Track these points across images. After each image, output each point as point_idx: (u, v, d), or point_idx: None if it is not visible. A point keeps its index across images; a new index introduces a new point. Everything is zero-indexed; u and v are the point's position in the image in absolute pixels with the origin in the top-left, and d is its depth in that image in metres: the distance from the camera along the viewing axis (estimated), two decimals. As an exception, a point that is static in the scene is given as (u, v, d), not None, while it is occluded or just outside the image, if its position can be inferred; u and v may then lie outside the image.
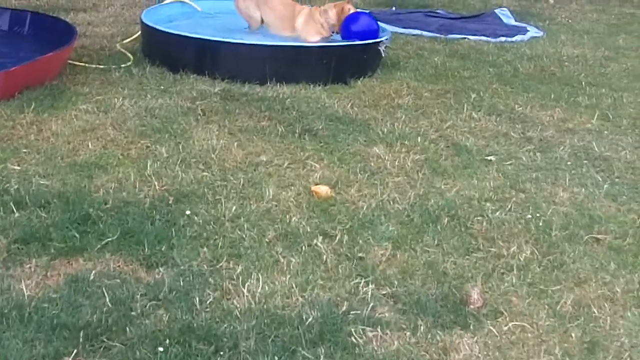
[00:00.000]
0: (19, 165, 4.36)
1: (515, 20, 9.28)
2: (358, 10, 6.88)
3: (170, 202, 4.05)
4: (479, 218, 4.12)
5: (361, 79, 6.36)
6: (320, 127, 5.25)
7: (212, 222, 3.86)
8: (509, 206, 4.27)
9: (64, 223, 3.71)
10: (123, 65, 6.31)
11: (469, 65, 7.07)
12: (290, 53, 6.14)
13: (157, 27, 6.34)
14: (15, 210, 3.83)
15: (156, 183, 4.23)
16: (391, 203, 4.23)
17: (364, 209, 4.13)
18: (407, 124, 5.44)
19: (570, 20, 9.52)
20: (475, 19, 9.24)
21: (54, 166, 4.37)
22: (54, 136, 4.78)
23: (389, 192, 4.35)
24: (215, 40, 6.08)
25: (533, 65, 7.22)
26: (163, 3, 7.38)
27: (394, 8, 9.44)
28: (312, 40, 6.55)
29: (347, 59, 6.31)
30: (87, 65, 6.25)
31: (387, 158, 4.81)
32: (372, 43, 6.43)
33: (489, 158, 4.95)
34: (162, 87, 5.83)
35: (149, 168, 4.41)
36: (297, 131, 5.15)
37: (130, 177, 4.29)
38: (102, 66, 6.26)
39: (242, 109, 5.48)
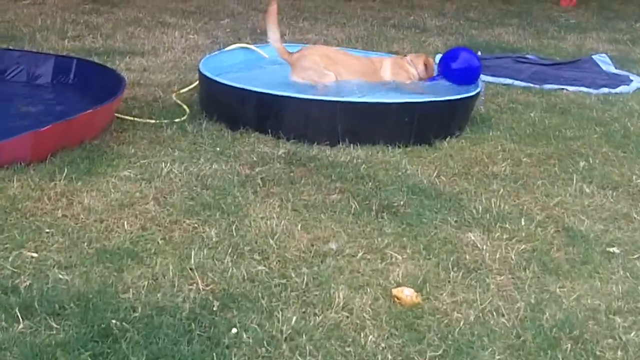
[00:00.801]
0: (37, 252, 3.60)
1: (616, 68, 8.28)
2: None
3: (214, 308, 3.22)
4: (609, 341, 3.18)
5: (447, 139, 5.48)
6: (402, 202, 4.38)
7: (265, 342, 3.01)
8: (647, 323, 3.32)
9: (78, 341, 2.92)
10: (177, 120, 5.56)
11: (571, 123, 6.12)
12: (366, 110, 5.30)
13: (215, 78, 5.58)
14: (21, 319, 3.05)
15: (200, 281, 3.42)
16: (495, 315, 3.32)
17: (461, 323, 3.24)
18: (506, 200, 4.53)
19: (678, 68, 8.46)
20: (570, 65, 8.27)
21: (78, 254, 3.60)
22: (84, 212, 4.02)
23: (491, 298, 3.45)
24: (279, 95, 5.28)
25: (646, 123, 6.23)
26: (225, 49, 6.63)
27: (479, 53, 8.53)
28: (408, 83, 6.00)
29: (432, 116, 5.43)
30: (136, 119, 5.52)
31: (485, 248, 3.91)
32: (464, 98, 5.55)
33: (611, 250, 4.00)
34: (218, 149, 5.05)
35: (193, 258, 3.60)
36: (373, 208, 4.29)
37: (169, 270, 3.49)
38: (153, 121, 5.52)
39: (309, 178, 4.65)
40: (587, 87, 7.27)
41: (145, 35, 8.39)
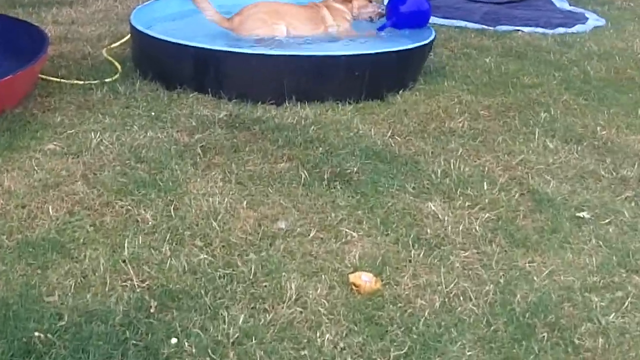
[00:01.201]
0: (-52, 249, 3.20)
1: (570, 4, 7.97)
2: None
3: (152, 310, 2.87)
4: (588, 326, 2.92)
5: (401, 92, 5.13)
6: (355, 168, 4.05)
7: (209, 350, 2.68)
8: (625, 303, 3.06)
9: (-6, 362, 2.55)
10: (108, 80, 5.11)
11: (528, 68, 5.81)
12: (314, 64, 4.91)
13: (147, 31, 5.11)
14: None
15: (135, 276, 3.06)
16: (461, 300, 3.03)
17: (426, 312, 2.94)
18: (465, 161, 4.22)
19: (631, 4, 8.17)
20: (524, 3, 7.93)
21: (-3, 249, 3.21)
22: (4, 196, 3.61)
23: (456, 279, 3.16)
24: (218, 50, 4.84)
25: (604, 66, 5.95)
26: (158, -2, 6.12)
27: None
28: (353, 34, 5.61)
29: (384, 69, 5.06)
30: (62, 81, 5.05)
31: (446, 219, 3.61)
32: (418, 47, 5.18)
33: (581, 215, 3.73)
34: (153, 113, 4.63)
35: (126, 248, 3.23)
36: (325, 176, 3.95)
37: (100, 265, 3.12)
38: (81, 82, 5.06)
39: (254, 144, 4.27)
40: (542, 27, 6.97)
41: (73, -18, 7.80)
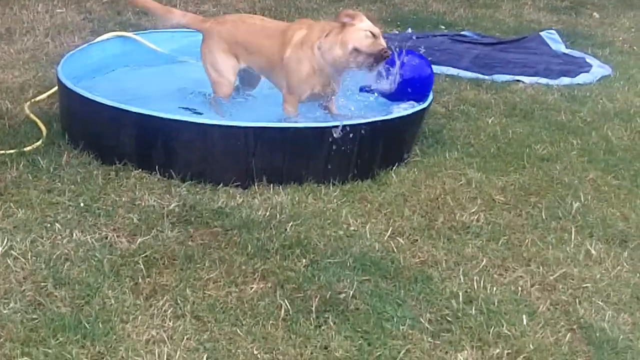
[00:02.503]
0: None
1: (566, 47, 7.10)
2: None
3: None
4: None
5: (395, 168, 4.15)
6: (351, 290, 3.05)
7: None
8: None
9: None
10: (27, 149, 4.04)
11: (539, 133, 4.88)
12: (290, 137, 3.89)
13: (78, 90, 4.04)
14: None
15: None
16: None
17: None
18: (492, 276, 3.26)
19: (634, 47, 7.32)
20: (516, 44, 7.04)
21: None
22: None
23: None
24: (169, 119, 3.80)
25: (626, 130, 5.06)
26: (96, 40, 5.04)
27: (409, 30, 7.20)
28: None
29: (375, 141, 4.07)
30: (-32, 151, 3.98)
31: (484, 382, 2.62)
32: (415, 113, 4.22)
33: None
34: (82, 202, 3.57)
35: None
36: (312, 305, 2.94)
37: None
38: (-6, 152, 3.99)
39: (215, 252, 3.25)
40: (544, 76, 6.06)
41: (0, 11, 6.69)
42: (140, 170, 3.87)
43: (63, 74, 4.22)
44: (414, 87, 4.33)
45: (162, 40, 5.07)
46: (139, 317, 2.79)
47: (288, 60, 4.12)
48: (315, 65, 4.07)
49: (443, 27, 7.25)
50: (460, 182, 4.09)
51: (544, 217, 3.81)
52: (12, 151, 4.02)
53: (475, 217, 3.74)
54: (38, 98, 4.73)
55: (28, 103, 4.65)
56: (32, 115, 4.47)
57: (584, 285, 3.26)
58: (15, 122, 4.42)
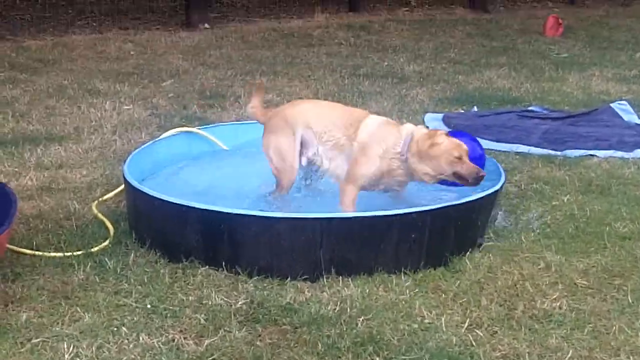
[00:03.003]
0: None
1: (639, 117, 6.88)
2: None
3: None
4: None
5: (469, 254, 3.99)
6: (428, 390, 2.87)
7: None
8: None
9: None
10: (95, 249, 4.02)
11: (619, 210, 4.66)
12: (358, 227, 3.78)
13: (143, 188, 4.03)
14: None
15: None
16: None
17: None
18: (579, 371, 3.04)
19: None
20: (587, 118, 6.85)
21: None
22: None
23: None
24: (233, 214, 3.73)
25: None
26: (162, 137, 5.07)
27: (475, 109, 7.10)
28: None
29: (448, 227, 3.93)
30: (36, 254, 3.97)
31: None
32: (487, 196, 4.07)
33: None
34: (148, 303, 3.50)
35: None
36: (387, 408, 2.77)
37: None
38: (59, 254, 3.96)
39: (284, 351, 3.12)
40: (618, 149, 5.86)
41: (68, 110, 6.83)
42: (207, 267, 3.80)
43: (129, 172, 4.22)
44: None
45: (229, 134, 5.12)
46: None
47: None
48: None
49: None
50: (539, 267, 3.91)
51: (630, 300, 3.59)
52: (79, 252, 3.99)
53: (557, 304, 3.54)
54: (105, 197, 4.73)
55: (95, 202, 4.65)
56: (99, 215, 4.46)
57: (682, 377, 3.02)
58: (82, 222, 4.42)
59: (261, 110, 4.48)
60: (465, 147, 3.99)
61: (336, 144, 4.17)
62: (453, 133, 4.36)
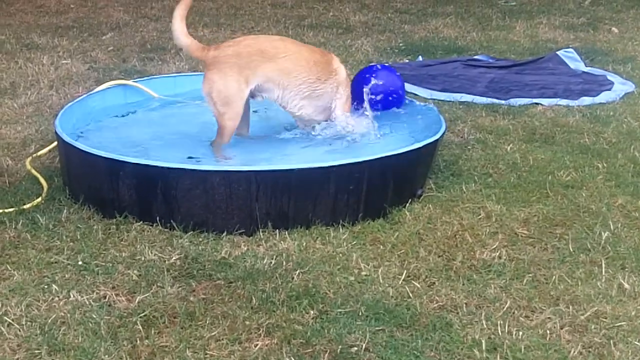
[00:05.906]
0: None
1: (586, 65, 6.87)
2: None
3: None
4: None
5: (407, 204, 3.94)
6: (364, 343, 2.84)
7: None
8: None
9: None
10: (27, 206, 3.89)
11: (562, 158, 4.64)
12: (294, 180, 3.70)
13: (73, 142, 3.90)
14: None
15: None
16: None
17: None
18: (517, 319, 3.02)
19: (659, 60, 7.08)
20: (533, 65, 6.82)
21: None
22: None
23: None
24: (166, 168, 3.62)
25: (654, 149, 4.81)
26: (94, 91, 4.91)
27: (420, 58, 7.02)
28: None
29: (387, 177, 3.87)
30: (-35, 212, 3.84)
31: None
32: (428, 145, 4.01)
33: None
34: (80, 260, 3.40)
35: None
36: (322, 361, 2.73)
37: None
38: (-8, 211, 3.84)
39: (218, 307, 3.06)
40: (564, 97, 5.84)
41: (5, 66, 6.61)
42: (141, 222, 3.70)
43: (61, 127, 4.07)
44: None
45: (161, 85, 4.97)
46: (135, 387, 2.60)
47: None
48: None
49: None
50: (479, 216, 3.87)
51: (571, 249, 3.57)
52: (11, 210, 3.86)
53: (497, 254, 3.52)
54: (39, 153, 4.59)
55: (29, 158, 4.51)
56: (33, 171, 4.32)
57: (618, 324, 3.01)
58: (16, 178, 4.28)
59: (197, 44, 4.10)
60: None
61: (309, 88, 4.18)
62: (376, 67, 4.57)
